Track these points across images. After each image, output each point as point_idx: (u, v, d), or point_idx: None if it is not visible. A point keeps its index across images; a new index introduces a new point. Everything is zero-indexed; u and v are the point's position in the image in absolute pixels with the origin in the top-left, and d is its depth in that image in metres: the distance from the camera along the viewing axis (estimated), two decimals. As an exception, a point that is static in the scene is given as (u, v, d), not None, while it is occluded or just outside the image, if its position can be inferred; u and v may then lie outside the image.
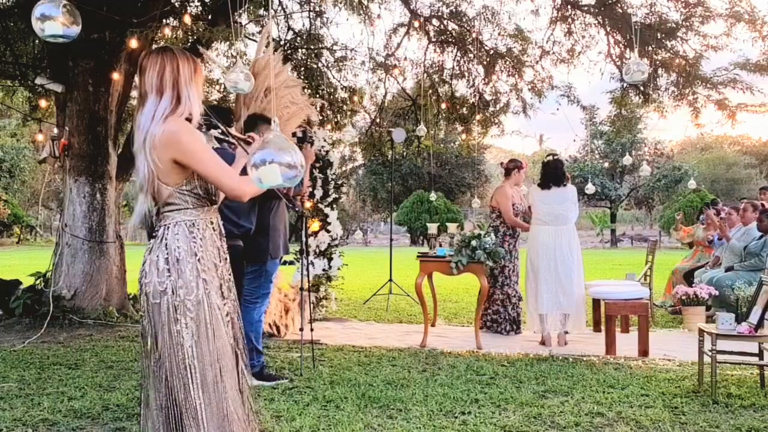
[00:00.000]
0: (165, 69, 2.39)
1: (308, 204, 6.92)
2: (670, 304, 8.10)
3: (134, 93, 8.70)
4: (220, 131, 2.69)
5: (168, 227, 2.40)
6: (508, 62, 9.46)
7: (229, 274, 2.55)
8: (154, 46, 7.89)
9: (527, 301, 6.36)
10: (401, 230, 34.47)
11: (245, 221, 4.38)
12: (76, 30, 3.44)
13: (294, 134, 6.09)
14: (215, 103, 9.37)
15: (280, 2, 9.49)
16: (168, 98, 2.38)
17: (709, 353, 4.23)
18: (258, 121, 4.61)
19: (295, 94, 6.32)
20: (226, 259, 2.53)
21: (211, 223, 2.48)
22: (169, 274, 2.35)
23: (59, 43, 3.60)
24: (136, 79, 8.28)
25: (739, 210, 7.98)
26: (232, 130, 2.86)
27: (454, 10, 9.35)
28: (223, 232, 2.57)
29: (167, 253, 2.37)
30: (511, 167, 6.92)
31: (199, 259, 2.38)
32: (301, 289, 5.41)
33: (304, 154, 4.88)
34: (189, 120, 2.42)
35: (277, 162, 2.08)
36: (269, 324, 6.20)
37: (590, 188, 11.50)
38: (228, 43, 8.35)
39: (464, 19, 9.37)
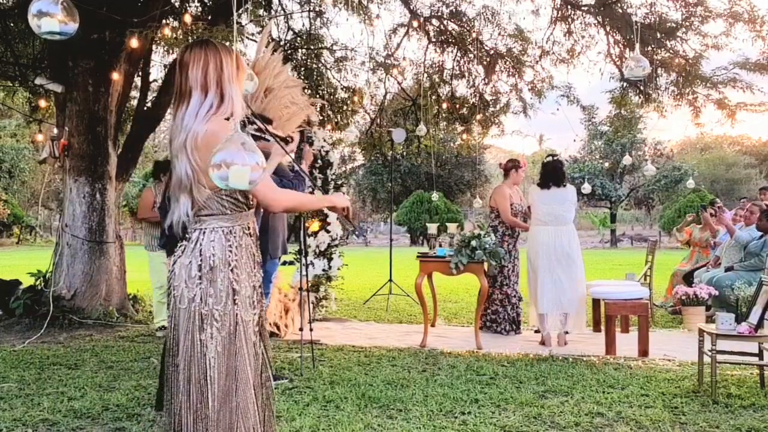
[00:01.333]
0: (209, 65, 2.29)
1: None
2: (670, 304, 8.10)
3: (135, 93, 8.70)
4: (255, 128, 2.59)
5: (204, 232, 2.30)
6: (508, 62, 9.46)
7: (260, 281, 2.44)
8: (157, 53, 7.88)
9: (531, 300, 6.36)
10: (401, 230, 34.48)
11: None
12: (73, 27, 3.41)
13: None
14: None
15: (280, 2, 9.50)
16: (212, 96, 2.28)
17: (709, 353, 4.23)
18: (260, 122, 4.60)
19: (295, 94, 6.30)
20: (260, 264, 2.44)
21: (248, 228, 2.38)
22: (200, 282, 2.26)
23: (57, 41, 3.58)
24: (138, 81, 8.15)
25: (744, 210, 7.99)
26: (271, 128, 2.76)
27: (454, 10, 9.34)
28: (257, 235, 2.47)
29: (201, 260, 2.27)
30: (510, 167, 6.91)
31: (232, 269, 2.29)
32: (300, 289, 5.41)
33: (304, 153, 4.89)
34: (228, 119, 2.32)
35: (242, 163, 1.99)
36: (270, 324, 6.20)
37: (586, 188, 11.50)
38: (228, 43, 8.34)
39: (464, 19, 9.36)
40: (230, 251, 2.29)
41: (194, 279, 2.26)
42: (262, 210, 4.53)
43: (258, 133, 2.62)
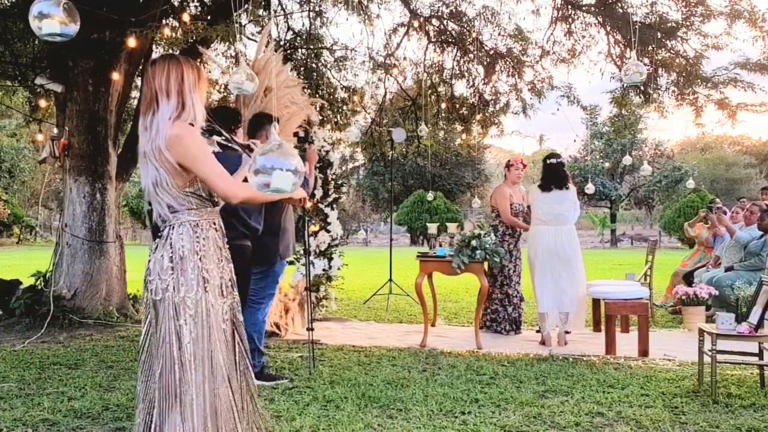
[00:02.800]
0: (171, 75, 2.50)
1: (308, 204, 6.91)
2: (670, 304, 8.10)
3: (135, 93, 8.71)
4: (223, 138, 2.77)
5: (173, 227, 2.49)
6: (508, 62, 9.46)
7: (231, 274, 2.63)
8: (157, 53, 7.91)
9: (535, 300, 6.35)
10: (401, 230, 34.48)
11: (255, 221, 4.36)
12: (74, 28, 3.41)
13: (296, 134, 6.09)
14: (216, 103, 9.37)
15: (279, 2, 9.49)
16: (174, 103, 2.49)
17: (709, 353, 4.23)
18: (264, 121, 4.60)
19: (295, 94, 6.32)
20: (227, 259, 2.61)
21: (214, 224, 2.57)
22: (172, 272, 2.44)
23: (57, 42, 3.57)
24: (138, 81, 8.23)
25: (744, 209, 7.98)
26: (237, 137, 2.92)
27: (454, 10, 9.34)
28: (224, 233, 2.65)
29: (171, 252, 2.46)
30: (505, 166, 7.02)
31: (200, 258, 2.47)
32: (306, 288, 5.41)
33: (308, 154, 4.90)
34: (192, 125, 2.52)
35: (285, 168, 2.13)
36: (270, 324, 6.20)
37: (590, 188, 11.50)
38: (227, 43, 8.35)
39: (464, 19, 9.36)
40: (197, 242, 2.48)
41: (166, 270, 2.45)
42: (270, 212, 4.55)
43: (225, 142, 2.78)
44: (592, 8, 8.36)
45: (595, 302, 6.80)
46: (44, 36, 3.40)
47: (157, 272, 2.46)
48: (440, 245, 6.32)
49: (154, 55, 8.43)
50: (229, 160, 3.14)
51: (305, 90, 7.32)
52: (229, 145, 2.80)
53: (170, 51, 7.51)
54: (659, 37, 7.69)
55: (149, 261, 2.53)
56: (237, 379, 2.56)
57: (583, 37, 8.84)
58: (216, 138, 2.76)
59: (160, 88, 2.49)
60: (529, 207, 6.54)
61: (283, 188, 2.15)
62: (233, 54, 9.35)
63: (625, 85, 8.55)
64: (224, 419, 2.47)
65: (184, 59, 2.58)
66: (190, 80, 2.52)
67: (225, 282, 2.56)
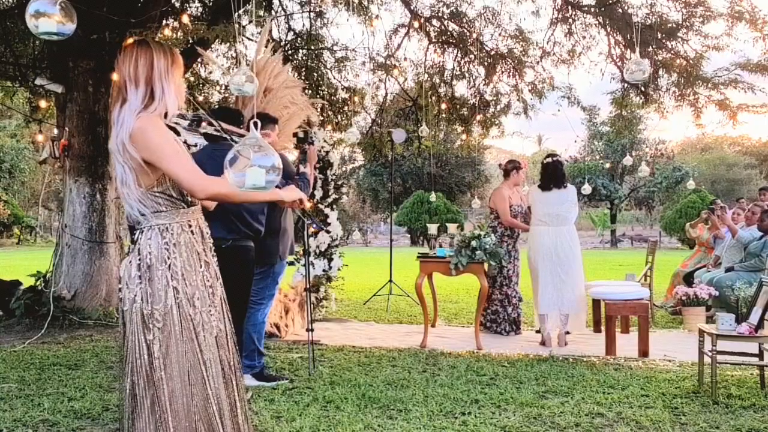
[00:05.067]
0: (139, 62, 2.30)
1: (308, 205, 6.91)
2: (670, 305, 8.09)
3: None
4: (214, 129, 2.57)
5: (143, 231, 2.30)
6: (508, 63, 9.46)
7: (215, 279, 2.40)
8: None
9: (533, 301, 6.36)
10: (401, 231, 34.47)
11: (257, 222, 4.35)
12: (71, 27, 3.40)
13: (295, 134, 6.08)
14: (216, 104, 9.37)
15: (280, 3, 9.50)
16: (142, 92, 2.28)
17: (710, 354, 4.23)
18: (264, 121, 4.60)
19: (295, 94, 6.32)
20: (207, 263, 2.37)
21: (189, 226, 2.34)
22: (140, 281, 2.25)
23: (56, 42, 3.57)
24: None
25: (745, 210, 7.98)
26: (228, 126, 2.72)
27: (454, 10, 9.34)
28: (207, 234, 2.43)
29: (139, 259, 2.27)
30: (510, 168, 6.90)
31: (169, 266, 2.26)
32: (306, 289, 5.41)
33: (308, 154, 4.89)
34: (165, 116, 2.33)
35: (260, 165, 2.02)
36: (269, 324, 6.20)
37: (587, 189, 11.50)
38: (228, 44, 8.35)
39: (465, 20, 9.36)
40: (166, 248, 2.27)
41: (134, 279, 2.26)
42: (271, 213, 4.55)
43: (217, 133, 2.58)
44: (593, 9, 8.36)
45: (595, 303, 6.80)
46: (41, 34, 3.39)
47: (126, 281, 2.27)
48: (440, 246, 6.33)
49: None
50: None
51: (306, 90, 7.32)
52: (220, 134, 2.60)
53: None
54: (659, 37, 7.70)
55: (122, 268, 2.33)
56: (229, 396, 2.34)
57: (584, 37, 8.84)
58: (207, 128, 2.56)
59: (129, 76, 2.28)
60: (528, 208, 6.54)
61: (258, 185, 2.03)
62: (234, 55, 9.36)
63: (627, 85, 8.56)
64: None
65: (155, 43, 2.37)
66: (161, 66, 2.30)
67: (206, 289, 2.33)
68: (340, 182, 7.98)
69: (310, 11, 9.48)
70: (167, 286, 2.25)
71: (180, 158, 2.25)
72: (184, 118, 2.47)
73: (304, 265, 5.23)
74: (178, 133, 2.39)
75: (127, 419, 2.28)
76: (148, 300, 2.24)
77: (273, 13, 9.06)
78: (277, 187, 2.30)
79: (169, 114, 2.34)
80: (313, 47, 9.47)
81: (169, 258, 2.26)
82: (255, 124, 2.16)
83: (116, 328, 6.80)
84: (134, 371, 2.24)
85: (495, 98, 9.92)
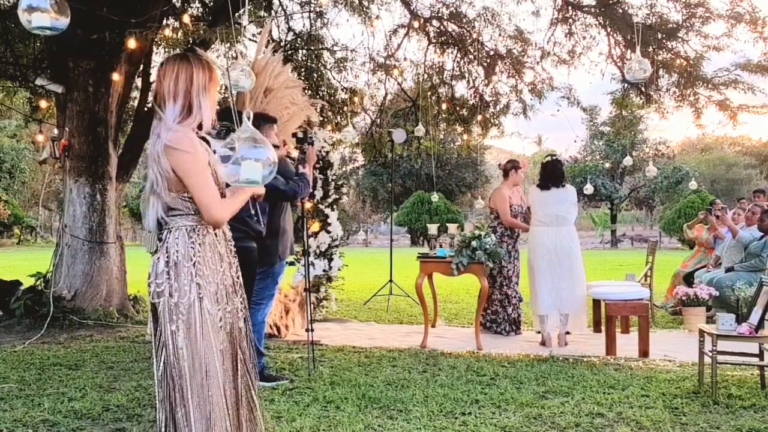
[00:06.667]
0: (180, 76, 2.44)
1: (308, 205, 6.91)
2: (671, 305, 8.09)
3: (135, 94, 8.71)
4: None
5: (170, 231, 2.46)
6: (508, 63, 9.46)
7: (237, 278, 2.59)
8: (158, 54, 7.91)
9: (531, 301, 6.36)
10: (401, 231, 34.48)
11: (258, 224, 4.36)
12: (64, 22, 3.38)
13: (294, 135, 6.07)
14: (216, 104, 9.36)
15: (280, 3, 9.50)
16: (180, 106, 2.43)
17: (710, 354, 4.23)
18: (261, 121, 4.60)
19: (295, 94, 6.31)
20: (229, 263, 2.56)
21: (214, 228, 2.52)
22: (167, 277, 2.41)
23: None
24: (138, 82, 8.20)
25: (746, 210, 7.98)
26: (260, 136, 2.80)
27: (454, 11, 9.35)
28: (228, 236, 2.60)
29: (167, 257, 2.43)
30: (509, 167, 6.89)
31: (194, 263, 2.43)
32: (306, 289, 5.41)
33: (308, 155, 4.89)
34: (200, 127, 2.47)
35: (255, 158, 2.06)
36: (270, 324, 6.20)
37: (589, 188, 11.50)
38: (228, 44, 8.35)
39: (464, 20, 9.37)
40: (192, 247, 2.44)
41: (162, 274, 2.42)
42: (271, 213, 4.55)
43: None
44: (593, 9, 8.36)
45: (596, 303, 6.80)
46: (34, 29, 3.39)
47: (155, 276, 2.44)
48: (440, 246, 6.32)
49: (154, 56, 8.45)
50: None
51: (306, 91, 7.32)
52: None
53: (171, 52, 7.53)
54: (660, 38, 7.70)
55: (151, 264, 2.51)
56: (235, 388, 2.50)
57: (584, 38, 8.85)
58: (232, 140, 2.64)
59: (168, 90, 2.43)
60: (528, 208, 6.54)
61: (253, 179, 2.08)
62: (234, 55, 9.35)
63: (627, 85, 8.56)
64: (218, 429, 2.40)
65: (195, 59, 2.50)
66: (199, 82, 2.45)
67: (225, 288, 2.50)
68: (340, 182, 7.98)
69: (310, 11, 9.48)
70: (191, 282, 2.42)
71: (206, 187, 2.40)
72: (214, 128, 2.58)
73: (304, 265, 5.24)
74: (208, 143, 2.50)
75: (161, 406, 2.44)
76: (174, 294, 2.40)
77: (273, 13, 9.06)
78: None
79: (204, 128, 2.48)
80: (313, 47, 9.48)
81: (194, 256, 2.43)
82: (248, 117, 2.19)
83: (116, 328, 6.81)
84: (163, 360, 2.42)
85: (494, 98, 9.92)
